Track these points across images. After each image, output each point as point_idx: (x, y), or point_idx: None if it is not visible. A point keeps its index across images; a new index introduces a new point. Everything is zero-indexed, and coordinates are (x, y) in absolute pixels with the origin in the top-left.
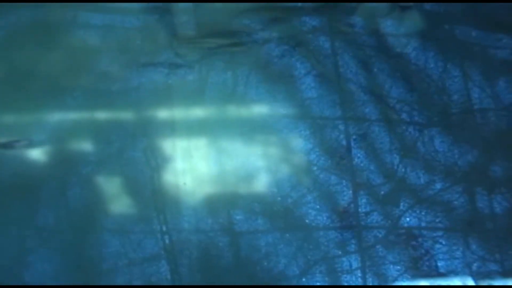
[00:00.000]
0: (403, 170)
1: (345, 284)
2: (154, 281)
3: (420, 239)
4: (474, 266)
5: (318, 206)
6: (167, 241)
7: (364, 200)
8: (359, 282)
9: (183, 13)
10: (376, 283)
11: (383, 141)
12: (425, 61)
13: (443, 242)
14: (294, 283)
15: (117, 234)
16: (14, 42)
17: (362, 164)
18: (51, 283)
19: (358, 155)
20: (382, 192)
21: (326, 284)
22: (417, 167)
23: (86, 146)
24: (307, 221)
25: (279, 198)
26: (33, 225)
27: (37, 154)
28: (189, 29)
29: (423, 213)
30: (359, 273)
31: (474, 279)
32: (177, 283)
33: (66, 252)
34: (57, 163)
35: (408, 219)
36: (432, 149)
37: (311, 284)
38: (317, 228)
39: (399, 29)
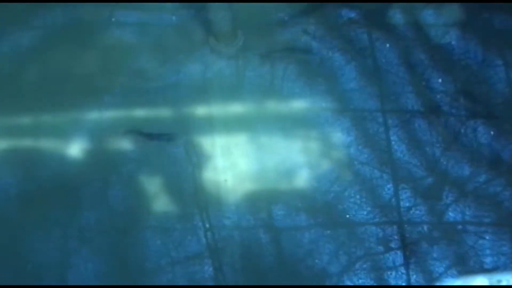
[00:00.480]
0: (445, 162)
1: (387, 279)
2: (197, 279)
3: (464, 234)
4: None
5: (359, 201)
6: (209, 238)
7: (406, 194)
8: (403, 279)
9: (218, 9)
10: (420, 280)
11: (424, 133)
12: (465, 51)
13: (488, 237)
14: (336, 280)
15: (159, 232)
16: (50, 42)
17: (403, 157)
18: (94, 283)
19: (399, 148)
20: (425, 186)
21: (370, 283)
22: (459, 159)
23: (125, 144)
24: (348, 216)
25: (320, 194)
26: (75, 225)
27: (77, 153)
28: (225, 25)
29: (467, 207)
30: (403, 270)
31: None
32: (220, 282)
33: (109, 252)
34: (97, 162)
35: (451, 213)
36: (475, 141)
37: (355, 283)
38: (359, 223)
39: (438, 19)
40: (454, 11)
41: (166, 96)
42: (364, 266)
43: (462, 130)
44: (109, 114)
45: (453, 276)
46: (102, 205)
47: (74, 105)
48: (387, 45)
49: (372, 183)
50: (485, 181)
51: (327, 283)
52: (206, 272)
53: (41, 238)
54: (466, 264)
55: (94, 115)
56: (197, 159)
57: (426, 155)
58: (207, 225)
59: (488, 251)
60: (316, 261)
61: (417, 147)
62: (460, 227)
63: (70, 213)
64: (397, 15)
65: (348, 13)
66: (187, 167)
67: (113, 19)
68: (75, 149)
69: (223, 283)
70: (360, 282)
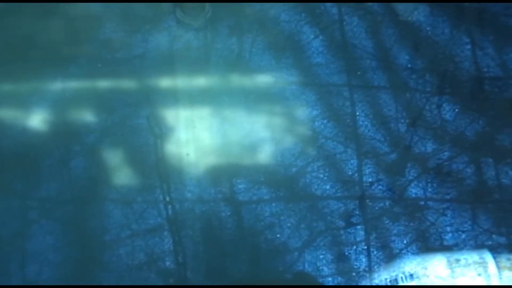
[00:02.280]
0: (409, 138)
1: (347, 254)
2: (157, 252)
3: (426, 211)
4: (480, 239)
5: (322, 176)
6: (169, 211)
7: (369, 170)
8: (364, 254)
9: None
10: (380, 255)
11: (390, 108)
12: (433, 28)
13: (450, 214)
14: (296, 255)
15: (120, 204)
16: (14, 10)
17: (367, 133)
18: (53, 254)
19: (364, 123)
20: (388, 162)
21: (331, 257)
22: (424, 136)
23: (89, 115)
24: (311, 190)
25: (282, 168)
26: (35, 196)
27: (39, 123)
28: None
29: (429, 183)
30: (363, 245)
31: (492, 253)
32: (180, 255)
33: (69, 224)
34: (59, 132)
35: (414, 189)
36: (439, 118)
37: (316, 257)
38: (321, 198)
39: None
40: None
41: (132, 67)
42: (325, 240)
43: (427, 107)
44: (73, 84)
45: (413, 253)
46: (63, 176)
47: (37, 74)
48: (356, 19)
49: (336, 158)
50: (448, 158)
51: (288, 257)
52: (166, 244)
53: (0, 209)
54: (426, 241)
55: (57, 85)
56: (160, 131)
57: (391, 131)
58: (168, 198)
59: (448, 228)
60: (277, 235)
61: (382, 122)
62: (422, 203)
63: (30, 183)
64: None
65: None
66: (150, 139)
67: None
68: (37, 119)
69: (182, 256)
70: (321, 257)
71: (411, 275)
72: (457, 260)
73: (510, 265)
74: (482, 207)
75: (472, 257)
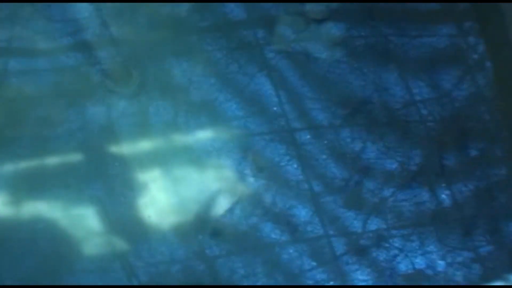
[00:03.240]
0: (355, 177)
1: None
2: None
3: (389, 240)
4: (449, 257)
5: (283, 221)
6: (146, 276)
7: (324, 210)
8: None
9: (106, 47)
10: None
11: (325, 151)
12: (359, 65)
13: (412, 239)
14: None
15: (96, 274)
16: None
17: (312, 176)
18: None
19: (305, 167)
20: (340, 201)
21: None
22: (366, 171)
23: (43, 194)
24: (274, 237)
25: (242, 218)
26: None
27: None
28: (117, 65)
29: (388, 214)
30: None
31: None
32: None
33: None
34: (15, 215)
35: (372, 223)
36: (381, 149)
37: None
38: (288, 242)
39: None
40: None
41: (75, 140)
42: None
43: (366, 141)
44: (21, 165)
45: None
46: (29, 257)
47: None
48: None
49: (291, 203)
50: (400, 186)
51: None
52: None
53: None
54: (397, 267)
55: (9, 168)
56: (117, 198)
57: (334, 172)
58: (142, 263)
59: (415, 252)
60: (253, 282)
61: (324, 164)
62: (385, 233)
63: (5, 266)
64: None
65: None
66: (108, 208)
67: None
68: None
69: None
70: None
71: None
72: None
73: None
74: (445, 227)
75: None
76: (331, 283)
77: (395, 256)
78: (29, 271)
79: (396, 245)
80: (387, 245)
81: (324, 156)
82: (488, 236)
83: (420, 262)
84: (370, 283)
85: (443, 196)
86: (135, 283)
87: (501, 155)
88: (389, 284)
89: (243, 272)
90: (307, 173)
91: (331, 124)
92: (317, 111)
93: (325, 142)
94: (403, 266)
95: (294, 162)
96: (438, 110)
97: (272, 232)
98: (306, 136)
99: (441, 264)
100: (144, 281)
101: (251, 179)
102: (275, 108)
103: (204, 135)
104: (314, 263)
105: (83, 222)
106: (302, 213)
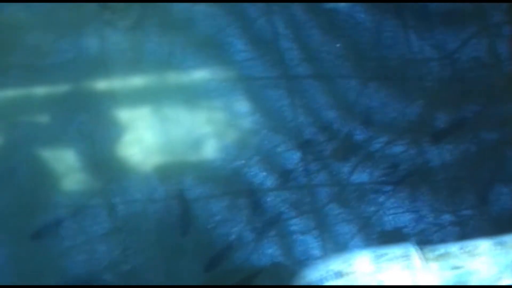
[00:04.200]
0: (347, 126)
1: (304, 246)
2: (115, 254)
3: (372, 195)
4: (429, 218)
5: (268, 167)
6: (123, 213)
7: (311, 159)
8: (316, 242)
9: None
10: (331, 242)
11: (322, 98)
12: (360, 15)
13: (395, 196)
14: (250, 248)
15: (72, 210)
16: None
17: (306, 123)
18: (7, 268)
19: (301, 113)
20: (328, 150)
21: (283, 247)
22: (359, 122)
23: (29, 124)
24: (257, 183)
25: (227, 162)
26: None
27: None
28: None
29: (372, 168)
30: (315, 233)
31: (417, 246)
32: (136, 256)
33: (21, 235)
34: (3, 144)
35: (358, 175)
36: (375, 103)
37: (268, 249)
38: (269, 190)
39: None
40: None
41: (65, 72)
42: (277, 231)
43: (361, 93)
44: (9, 93)
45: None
46: (11, 187)
47: None
48: (280, 11)
49: (278, 149)
50: (388, 141)
51: (243, 251)
52: (121, 246)
53: None
54: (374, 224)
55: None
56: (102, 134)
57: (327, 120)
58: (119, 201)
59: (394, 210)
60: (230, 229)
61: (319, 111)
62: (367, 187)
63: None
64: None
65: None
66: (93, 143)
67: None
68: None
69: (138, 258)
70: (274, 248)
71: (338, 273)
72: (382, 255)
73: (434, 256)
74: (427, 187)
75: (395, 252)
76: (313, 233)
77: (376, 211)
78: (4, 203)
79: (379, 200)
80: (369, 199)
81: (319, 104)
82: (471, 200)
83: (400, 220)
84: (348, 236)
85: (432, 155)
86: (112, 220)
87: (495, 120)
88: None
89: (220, 217)
90: (300, 120)
91: (332, 75)
92: (321, 60)
93: (324, 90)
94: (383, 222)
95: (288, 109)
96: (438, 70)
97: (255, 177)
98: (306, 85)
99: (420, 224)
100: (121, 218)
101: (242, 123)
102: (277, 53)
103: (199, 75)
104: (295, 212)
105: (65, 156)
106: (289, 160)
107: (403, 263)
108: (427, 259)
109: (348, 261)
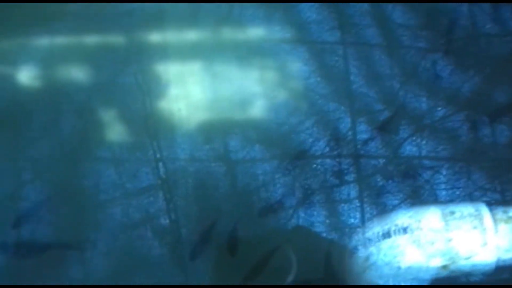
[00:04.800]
0: (403, 96)
1: (341, 211)
2: (151, 211)
3: (420, 169)
4: (475, 196)
5: (316, 133)
6: (162, 170)
7: (363, 128)
8: (358, 211)
9: None
10: (374, 212)
11: (384, 66)
12: None
13: (444, 172)
14: (291, 213)
15: (112, 163)
16: None
17: (361, 90)
18: (47, 215)
19: (358, 80)
20: (382, 119)
21: (324, 215)
22: (418, 93)
23: (78, 72)
24: (304, 148)
25: (276, 125)
26: (27, 157)
27: (27, 82)
28: None
29: (423, 141)
30: (357, 203)
31: (488, 206)
32: (173, 214)
33: (62, 184)
34: (47, 90)
35: (408, 147)
36: (434, 75)
37: (309, 215)
38: (315, 156)
39: None
40: None
41: (120, 23)
42: (319, 198)
43: (422, 64)
44: (61, 41)
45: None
46: (54, 135)
47: (23, 31)
48: None
49: (329, 116)
50: (443, 116)
51: (283, 215)
52: (159, 203)
53: None
54: (420, 197)
55: (45, 42)
56: (150, 88)
57: (385, 88)
58: (160, 156)
59: (443, 185)
60: (271, 193)
61: (376, 80)
62: (415, 161)
63: (21, 144)
64: None
65: None
66: (140, 96)
67: None
68: (25, 77)
69: (175, 215)
70: (315, 215)
71: (404, 229)
72: (452, 213)
73: (506, 217)
74: (477, 164)
75: (467, 209)
76: (355, 202)
77: (422, 186)
78: (46, 151)
79: (427, 175)
80: (417, 173)
81: (378, 73)
82: None
83: (446, 197)
84: (391, 209)
85: (483, 133)
86: (152, 176)
87: None
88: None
89: (263, 180)
90: (356, 88)
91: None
92: (387, 29)
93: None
94: (427, 197)
95: (346, 76)
96: (500, 47)
97: (303, 143)
98: (368, 52)
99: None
100: (161, 175)
101: (295, 86)
102: (340, 18)
103: (255, 34)
104: (339, 180)
105: (111, 108)
106: (340, 128)
107: (473, 222)
108: (498, 220)
109: (417, 216)
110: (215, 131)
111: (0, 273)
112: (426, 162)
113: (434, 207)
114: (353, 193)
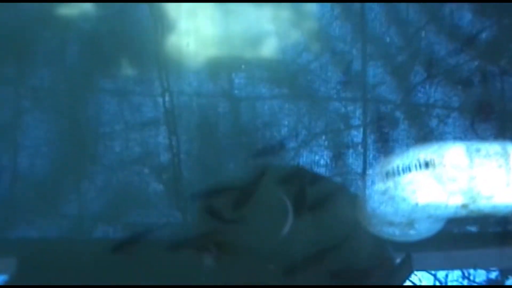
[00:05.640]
0: (418, 42)
1: (347, 160)
2: (151, 146)
3: (428, 115)
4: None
5: (325, 75)
6: (167, 104)
7: (374, 72)
8: (360, 158)
9: None
10: (379, 159)
11: (400, 11)
12: None
13: (451, 120)
14: (292, 154)
15: (116, 95)
16: None
17: (376, 34)
18: (45, 147)
19: (373, 24)
20: (394, 64)
21: (326, 159)
22: (433, 39)
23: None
24: (311, 90)
25: (285, 64)
26: (29, 84)
27: (33, 8)
28: None
29: (433, 89)
30: (360, 149)
31: None
32: (174, 149)
33: (63, 114)
34: (55, 18)
35: (418, 94)
36: (451, 23)
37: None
38: (322, 98)
39: None
40: None
41: None
42: (322, 141)
43: (440, 11)
44: None
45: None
46: (58, 64)
47: None
48: None
49: (341, 57)
50: (456, 64)
51: (284, 155)
52: (160, 138)
53: None
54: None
55: None
56: (160, 20)
57: (400, 33)
58: (165, 90)
59: (449, 136)
60: (274, 133)
61: (392, 24)
62: (423, 108)
63: (24, 70)
64: None
65: None
66: (149, 28)
67: None
68: (31, 4)
69: (177, 150)
70: (317, 158)
71: (426, 164)
72: (477, 150)
73: None
74: (485, 115)
75: (493, 148)
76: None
77: (428, 134)
78: (49, 81)
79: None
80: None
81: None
82: None
83: None
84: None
85: (494, 84)
86: (155, 110)
87: None
88: None
89: (267, 119)
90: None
91: None
92: None
93: None
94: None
95: (356, 17)
96: None
97: (311, 84)
98: None
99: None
100: (164, 109)
101: (307, 26)
102: None
103: None
104: (345, 125)
105: (118, 39)
106: (348, 70)
107: (499, 161)
108: None
109: (440, 151)
110: (222, 67)
111: None
112: (434, 111)
113: (459, 142)
114: (358, 138)
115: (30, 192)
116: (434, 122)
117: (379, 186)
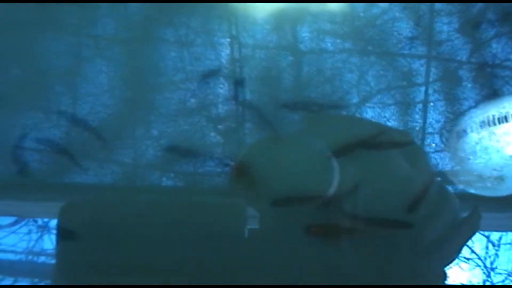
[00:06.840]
0: None
1: (408, 118)
2: (210, 98)
3: (492, 78)
4: None
5: (390, 29)
6: (228, 56)
7: (440, 28)
8: (420, 115)
9: None
10: (437, 116)
11: None
12: None
13: None
14: (353, 110)
15: (177, 46)
16: None
17: None
18: (104, 95)
19: None
20: (463, 18)
21: (386, 115)
22: None
23: None
24: (377, 44)
25: (351, 18)
26: (91, 33)
27: None
28: None
29: (501, 48)
30: (420, 106)
31: None
32: (235, 101)
33: (122, 63)
34: None
35: (482, 53)
36: None
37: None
38: (386, 53)
39: None
40: None
41: None
42: (384, 98)
43: None
44: None
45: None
46: (120, 14)
47: None
48: None
49: (409, 12)
50: None
51: (344, 112)
52: (221, 89)
53: (53, 42)
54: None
55: None
56: None
57: None
58: (229, 41)
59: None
60: (336, 88)
61: None
62: (489, 69)
63: (86, 20)
64: None
65: None
66: None
67: None
68: None
69: (237, 102)
70: (376, 114)
71: (503, 117)
72: None
73: None
74: None
75: None
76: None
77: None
78: (111, 31)
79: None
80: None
81: None
82: None
83: None
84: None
85: None
86: (214, 61)
87: None
88: None
89: (330, 74)
90: None
91: None
92: None
93: None
94: None
95: None
96: None
97: (377, 39)
98: None
99: None
100: (222, 60)
101: None
102: None
103: None
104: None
105: None
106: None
107: None
108: None
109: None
110: (286, 20)
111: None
112: (499, 71)
113: None
114: (420, 96)
115: (87, 138)
116: (498, 83)
117: (472, 136)
